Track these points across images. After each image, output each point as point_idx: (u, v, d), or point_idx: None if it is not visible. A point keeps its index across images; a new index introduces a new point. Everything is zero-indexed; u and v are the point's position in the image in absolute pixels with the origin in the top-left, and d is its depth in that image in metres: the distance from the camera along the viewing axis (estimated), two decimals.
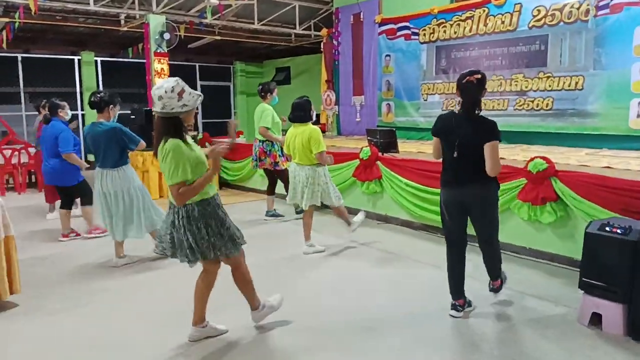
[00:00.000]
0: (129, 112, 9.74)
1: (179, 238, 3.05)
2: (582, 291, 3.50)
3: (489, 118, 3.46)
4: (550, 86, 7.68)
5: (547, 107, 7.74)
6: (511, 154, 6.27)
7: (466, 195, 3.50)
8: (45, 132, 5.86)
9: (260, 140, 6.58)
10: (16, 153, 9.30)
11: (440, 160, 3.66)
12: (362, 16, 10.53)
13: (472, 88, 3.38)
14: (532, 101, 7.91)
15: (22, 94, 12.05)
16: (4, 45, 9.79)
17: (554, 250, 4.80)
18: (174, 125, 2.93)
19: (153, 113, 3.01)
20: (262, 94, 6.60)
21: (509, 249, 5.09)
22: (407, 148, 7.28)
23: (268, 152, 6.57)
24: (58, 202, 7.32)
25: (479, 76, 3.37)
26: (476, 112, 3.41)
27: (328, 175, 5.20)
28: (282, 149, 6.60)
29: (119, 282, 4.53)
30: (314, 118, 5.18)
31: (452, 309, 3.64)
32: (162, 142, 2.93)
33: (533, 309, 3.76)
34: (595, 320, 3.42)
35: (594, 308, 3.41)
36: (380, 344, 3.28)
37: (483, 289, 3.99)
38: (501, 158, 5.78)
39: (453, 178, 3.54)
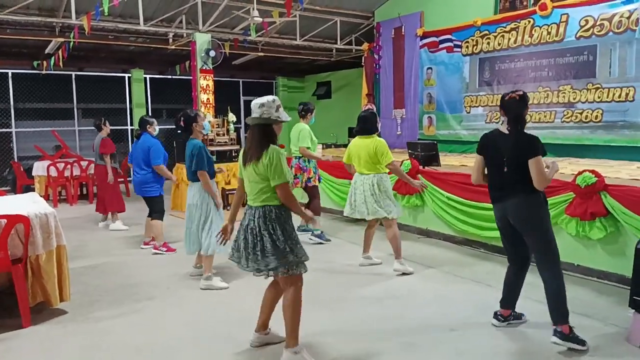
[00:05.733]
0: (175, 127, 10.03)
1: (253, 240, 3.15)
2: (633, 310, 3.35)
3: (531, 133, 3.44)
4: (599, 97, 7.44)
5: (596, 119, 7.49)
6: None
7: (508, 210, 3.49)
8: (136, 146, 6.18)
9: (296, 157, 6.55)
10: (69, 166, 9.71)
11: (478, 183, 3.80)
12: (403, 30, 10.53)
13: (514, 104, 3.41)
14: (581, 113, 7.68)
15: (75, 110, 12.63)
16: (60, 64, 10.31)
17: (603, 268, 4.62)
18: (270, 133, 3.23)
19: (248, 122, 3.28)
20: (302, 113, 6.53)
21: None
22: (449, 161, 7.19)
23: (304, 169, 6.50)
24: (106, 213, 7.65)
25: (521, 93, 3.45)
26: (519, 128, 3.41)
27: (389, 186, 5.18)
28: (317, 165, 6.63)
29: (166, 292, 4.65)
30: (380, 129, 5.28)
31: (493, 317, 3.71)
32: (262, 149, 3.15)
33: (581, 328, 3.61)
34: None
35: None
36: None
37: (533, 308, 3.87)
38: None
39: (498, 193, 3.57)
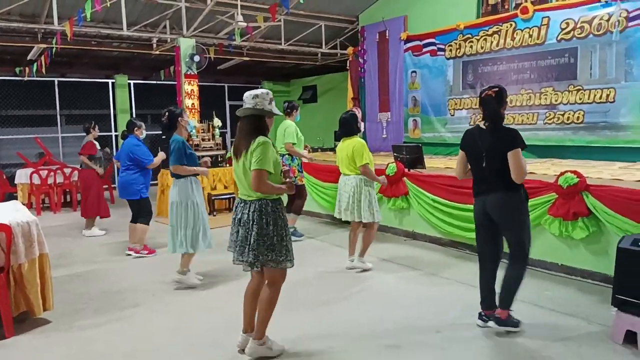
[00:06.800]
0: (160, 132, 9.97)
1: (244, 234, 3.18)
2: (616, 308, 3.40)
3: (511, 127, 3.56)
4: (580, 99, 7.54)
5: (577, 120, 7.59)
6: (541, 169, 6.16)
7: (488, 205, 3.56)
8: (122, 147, 6.27)
9: (281, 155, 6.61)
10: (52, 174, 9.60)
11: (462, 178, 3.89)
12: (387, 34, 10.58)
13: (490, 101, 3.53)
14: (563, 114, 7.77)
15: (58, 117, 12.47)
16: (43, 70, 10.20)
17: (586, 267, 4.68)
18: (262, 125, 3.25)
19: (239, 114, 3.27)
20: (288, 110, 6.73)
21: (540, 265, 4.99)
22: (435, 164, 7.23)
23: (287, 167, 6.56)
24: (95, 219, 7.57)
25: (497, 89, 3.55)
26: (497, 123, 3.52)
27: (373, 190, 5.21)
28: (301, 164, 6.70)
29: (151, 299, 4.61)
30: (362, 129, 5.40)
31: (478, 318, 3.75)
32: (252, 139, 3.16)
33: (565, 328, 3.67)
34: (630, 338, 3.30)
35: (629, 326, 3.30)
36: None
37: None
38: (531, 173, 5.78)
39: (478, 188, 3.65)
